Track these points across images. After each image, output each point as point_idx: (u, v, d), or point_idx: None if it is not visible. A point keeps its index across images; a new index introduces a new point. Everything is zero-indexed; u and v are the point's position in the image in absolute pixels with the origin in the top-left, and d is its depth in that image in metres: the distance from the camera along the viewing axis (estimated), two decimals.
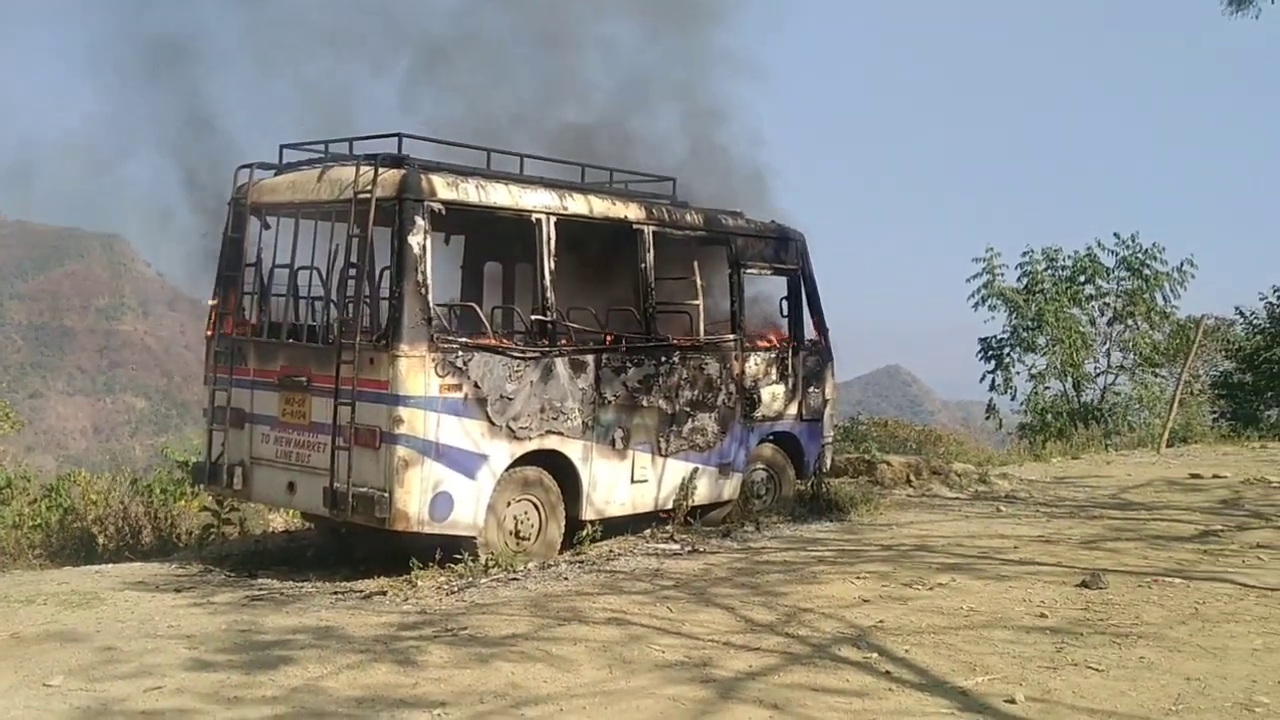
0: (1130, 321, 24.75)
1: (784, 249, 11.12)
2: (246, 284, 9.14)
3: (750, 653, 6.30)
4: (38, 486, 13.35)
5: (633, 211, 9.71)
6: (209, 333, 9.25)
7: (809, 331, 11.32)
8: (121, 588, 8.00)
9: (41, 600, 7.49)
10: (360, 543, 9.19)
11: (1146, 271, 24.30)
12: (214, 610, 7.31)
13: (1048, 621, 7.01)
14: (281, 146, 9.12)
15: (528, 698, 5.53)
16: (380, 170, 8.24)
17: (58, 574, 8.74)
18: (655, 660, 6.15)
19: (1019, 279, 24.86)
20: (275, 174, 9.13)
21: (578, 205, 9.26)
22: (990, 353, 25.12)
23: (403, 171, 8.26)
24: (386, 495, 7.95)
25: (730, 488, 10.47)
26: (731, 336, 10.42)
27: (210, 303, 9.21)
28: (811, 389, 11.19)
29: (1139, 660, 6.23)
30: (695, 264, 10.20)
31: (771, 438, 10.94)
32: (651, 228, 9.77)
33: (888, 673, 5.96)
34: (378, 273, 8.55)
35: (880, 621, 6.96)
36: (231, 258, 9.16)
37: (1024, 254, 25.04)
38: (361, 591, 7.88)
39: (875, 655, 6.25)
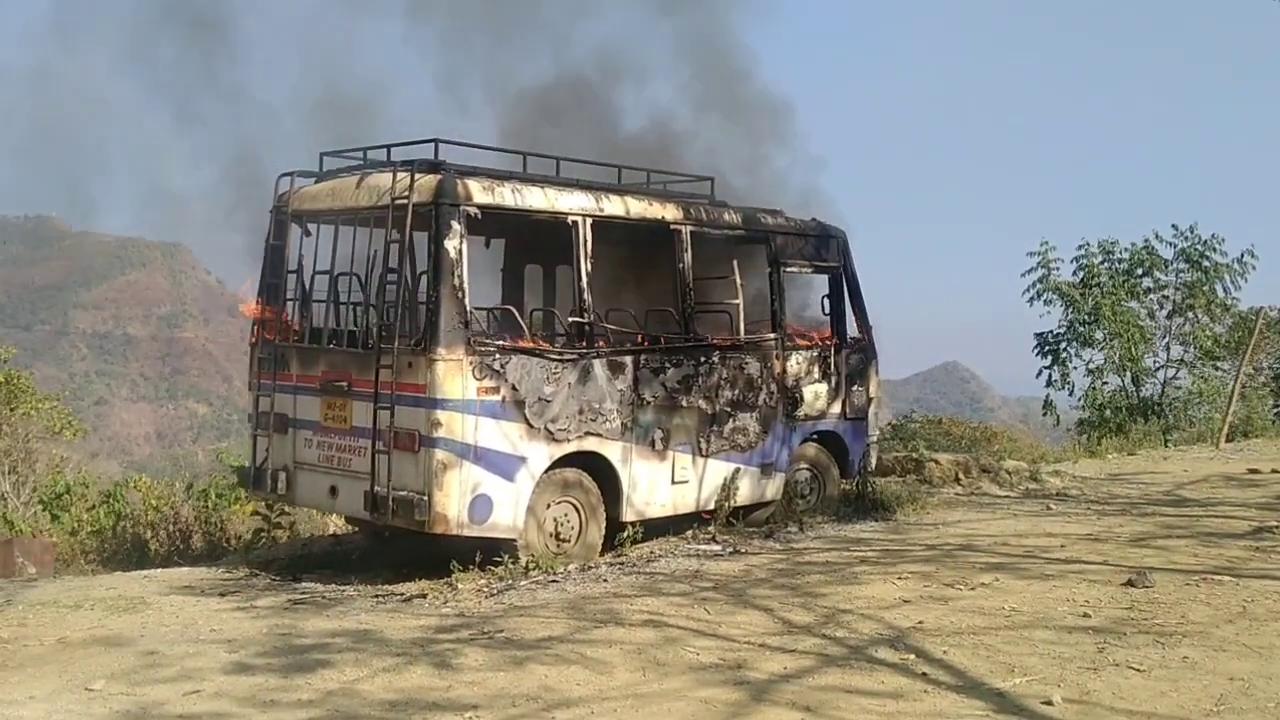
0: (1190, 314, 24.22)
1: (824, 246, 11.05)
2: (289, 291, 9.24)
3: (786, 655, 6.26)
4: (95, 493, 13.61)
5: (670, 212, 9.69)
6: (253, 339, 9.37)
7: (852, 329, 11.23)
8: (168, 592, 8.12)
9: (89, 605, 7.60)
10: (404, 546, 9.26)
11: (1206, 263, 23.77)
12: (256, 614, 7.39)
13: (1090, 621, 6.89)
14: (321, 154, 9.24)
15: (559, 700, 5.54)
16: (417, 175, 8.30)
17: (107, 579, 8.88)
18: (689, 662, 6.13)
19: (1074, 273, 24.48)
20: (315, 181, 9.23)
21: (614, 207, 9.26)
22: (1046, 348, 24.75)
23: (439, 176, 8.31)
24: (425, 498, 8.00)
25: (773, 488, 10.41)
26: (772, 335, 10.36)
27: (244, 307, 9.31)
28: (855, 387, 11.11)
29: (1182, 660, 6.11)
30: (734, 263, 10.16)
31: (815, 437, 10.88)
32: (689, 228, 9.75)
33: (924, 674, 5.90)
34: (415, 277, 8.61)
35: (920, 622, 6.89)
36: (274, 265, 9.26)
37: (1079, 247, 24.64)
38: (402, 594, 7.93)
39: (912, 657, 6.19)
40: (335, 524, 12.14)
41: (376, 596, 7.95)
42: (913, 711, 5.37)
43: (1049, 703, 5.43)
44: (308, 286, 9.13)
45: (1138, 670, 5.94)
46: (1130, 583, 7.75)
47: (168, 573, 9.09)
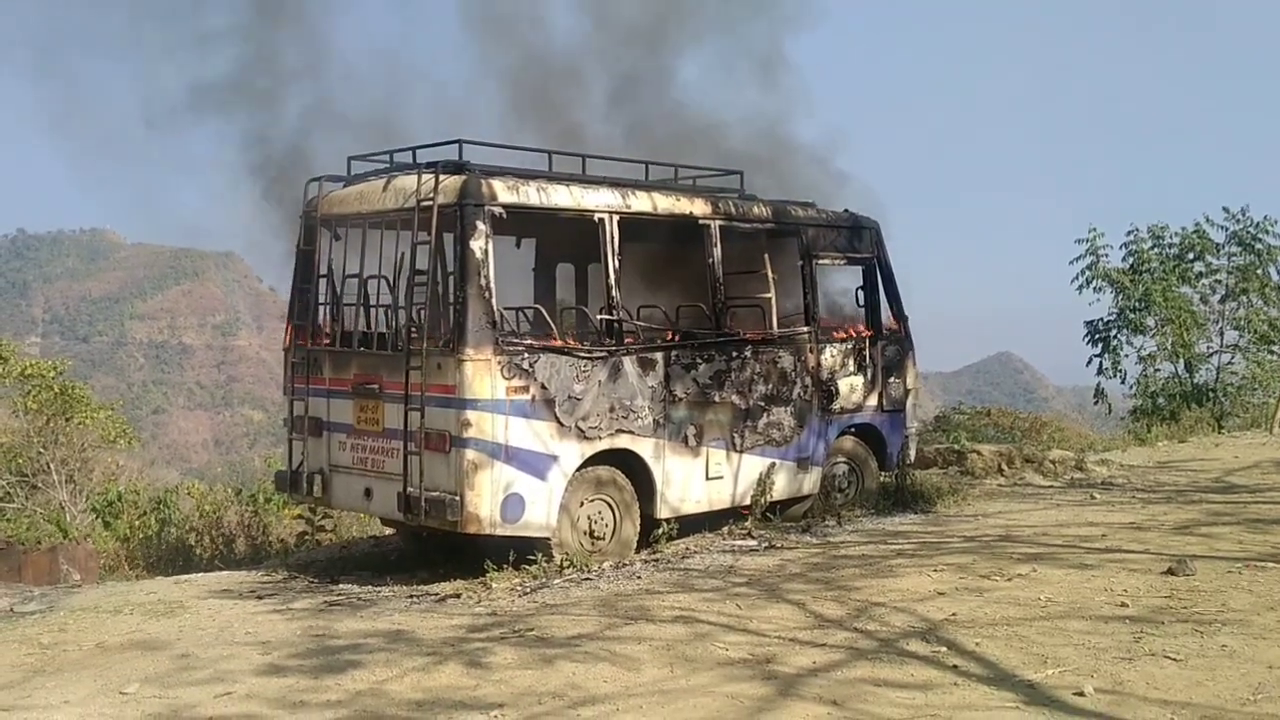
0: (1244, 298, 23.76)
1: (857, 238, 10.96)
2: (320, 295, 9.30)
3: (816, 649, 6.21)
4: (147, 500, 13.80)
5: (698, 207, 9.65)
6: (286, 344, 9.45)
7: (888, 321, 11.14)
8: (206, 596, 8.21)
9: (128, 610, 7.71)
10: (440, 546, 9.30)
11: (1259, 246, 23.31)
12: (291, 616, 7.45)
13: (1128, 611, 6.78)
14: (349, 158, 9.28)
15: (585, 698, 5.52)
16: (442, 177, 8.33)
17: (149, 584, 9.00)
18: (718, 658, 6.09)
19: (1124, 259, 24.12)
20: (343, 186, 9.28)
21: (641, 203, 9.24)
22: (1097, 336, 24.42)
23: (464, 177, 8.34)
24: (458, 498, 8.03)
25: (810, 482, 10.35)
26: (805, 329, 10.29)
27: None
28: (892, 379, 11.01)
29: (1220, 649, 5.99)
30: (766, 257, 10.12)
31: (852, 430, 10.80)
32: (718, 222, 9.71)
33: (955, 666, 5.82)
34: (443, 278, 8.64)
35: (953, 614, 6.80)
36: (304, 270, 9.33)
37: (1129, 233, 24.28)
38: (436, 595, 7.97)
39: (944, 649, 6.11)
40: (375, 526, 12.22)
41: (411, 597, 7.99)
42: (941, 704, 5.30)
43: (1081, 694, 5.35)
44: (338, 290, 9.18)
45: (1174, 659, 5.83)
46: (1171, 571, 7.61)
47: (207, 577, 9.19)
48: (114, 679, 6.04)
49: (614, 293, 8.91)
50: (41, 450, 15.43)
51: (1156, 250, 23.97)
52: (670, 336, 9.42)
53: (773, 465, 9.91)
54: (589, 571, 8.31)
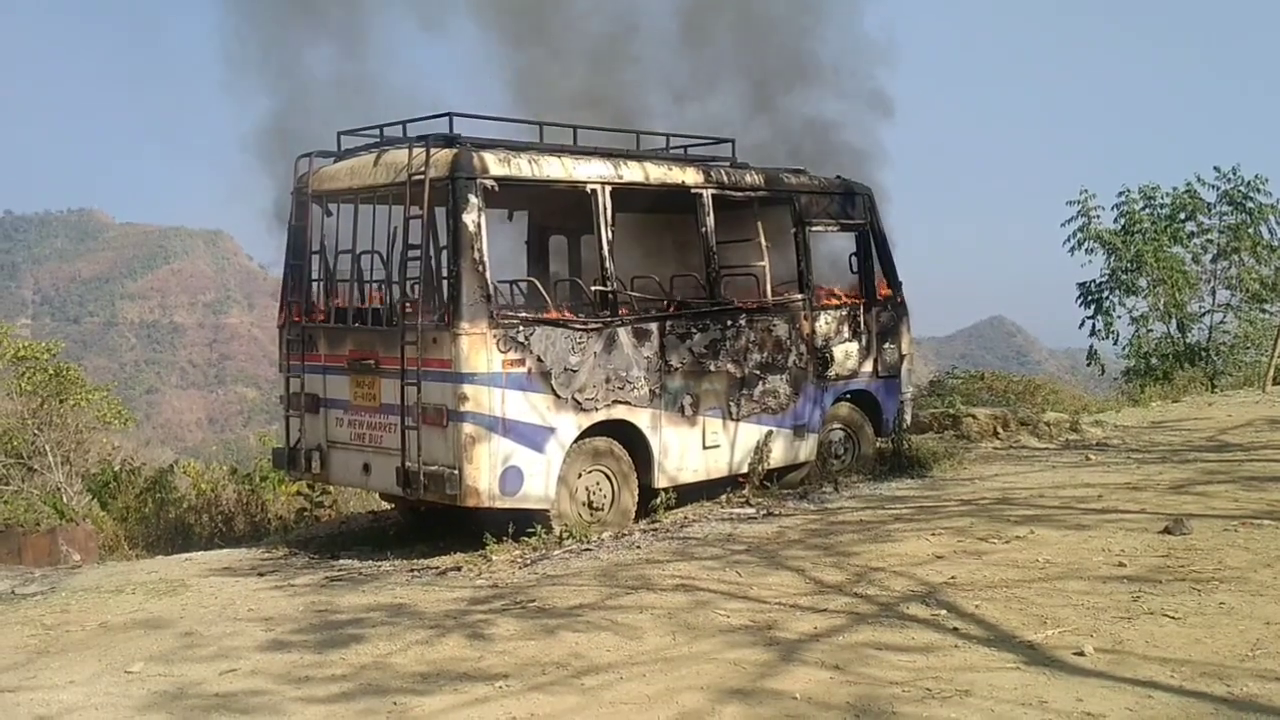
0: (1235, 257, 23.77)
1: (850, 204, 10.95)
2: (313, 271, 9.28)
3: (816, 614, 6.24)
4: (143, 479, 13.79)
5: (690, 176, 9.63)
6: (280, 321, 9.44)
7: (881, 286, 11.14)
8: (207, 574, 8.22)
9: (130, 589, 7.71)
10: (439, 520, 9.32)
11: (1250, 205, 23.31)
12: (293, 592, 7.46)
13: (1126, 570, 6.82)
14: (339, 133, 9.24)
15: (589, 667, 5.55)
16: (433, 150, 8.30)
17: (149, 563, 9.01)
18: (720, 625, 6.13)
19: (1116, 220, 24.11)
20: (334, 161, 9.24)
21: (633, 173, 9.22)
22: (1089, 298, 24.42)
23: (455, 151, 8.31)
24: (456, 472, 8.05)
25: (806, 449, 10.37)
26: (800, 296, 10.29)
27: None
28: (887, 345, 11.03)
29: (1218, 606, 6.03)
30: (759, 225, 10.09)
31: (848, 396, 10.82)
32: (710, 191, 9.69)
33: (955, 629, 5.86)
34: (436, 252, 8.62)
35: (952, 578, 6.84)
36: (297, 246, 9.30)
37: (1120, 194, 24.26)
38: (437, 568, 7.99)
39: (944, 612, 6.15)
40: (374, 502, 12.22)
41: (412, 571, 8.01)
42: (942, 666, 5.33)
43: (1081, 653, 5.38)
44: (331, 266, 9.16)
45: (1172, 618, 5.87)
46: (1167, 530, 7.65)
47: (208, 555, 9.21)
48: (118, 658, 6.05)
49: (608, 264, 8.91)
50: (37, 432, 15.40)
51: (1148, 211, 23.97)
52: (665, 306, 9.41)
53: (769, 433, 9.93)
54: (588, 542, 8.34)
